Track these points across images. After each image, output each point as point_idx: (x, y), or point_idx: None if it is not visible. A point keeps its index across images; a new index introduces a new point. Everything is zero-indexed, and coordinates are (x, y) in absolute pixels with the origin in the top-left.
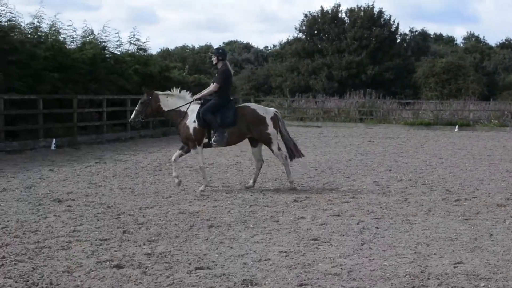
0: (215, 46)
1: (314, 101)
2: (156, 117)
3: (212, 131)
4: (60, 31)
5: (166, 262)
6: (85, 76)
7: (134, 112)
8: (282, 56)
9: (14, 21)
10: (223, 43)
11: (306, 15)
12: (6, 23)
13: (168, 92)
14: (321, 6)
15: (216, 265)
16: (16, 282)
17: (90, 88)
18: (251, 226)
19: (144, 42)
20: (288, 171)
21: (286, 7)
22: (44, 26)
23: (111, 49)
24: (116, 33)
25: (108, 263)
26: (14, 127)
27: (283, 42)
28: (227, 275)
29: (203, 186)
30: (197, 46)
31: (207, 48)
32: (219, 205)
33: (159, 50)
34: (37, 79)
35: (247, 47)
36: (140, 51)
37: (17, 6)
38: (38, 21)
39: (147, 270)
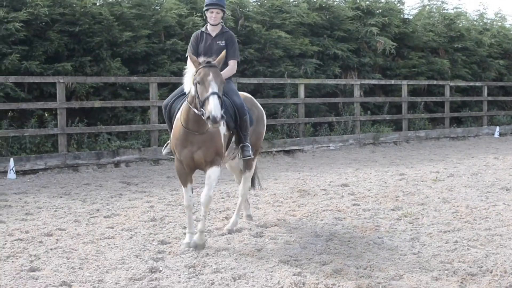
0: None
1: None
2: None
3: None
4: (506, 17)
5: None
6: None
7: (218, 101)
8: None
9: (460, 8)
10: None
11: None
12: (452, 10)
13: None
14: None
15: None
16: (470, 267)
17: None
18: None
19: None
20: (247, 203)
21: None
22: (490, 13)
23: None
24: None
25: None
26: (458, 113)
27: None
28: None
29: (188, 237)
30: None
31: None
32: None
33: None
34: (482, 66)
35: None
36: None
37: None
38: (484, 8)
39: None
